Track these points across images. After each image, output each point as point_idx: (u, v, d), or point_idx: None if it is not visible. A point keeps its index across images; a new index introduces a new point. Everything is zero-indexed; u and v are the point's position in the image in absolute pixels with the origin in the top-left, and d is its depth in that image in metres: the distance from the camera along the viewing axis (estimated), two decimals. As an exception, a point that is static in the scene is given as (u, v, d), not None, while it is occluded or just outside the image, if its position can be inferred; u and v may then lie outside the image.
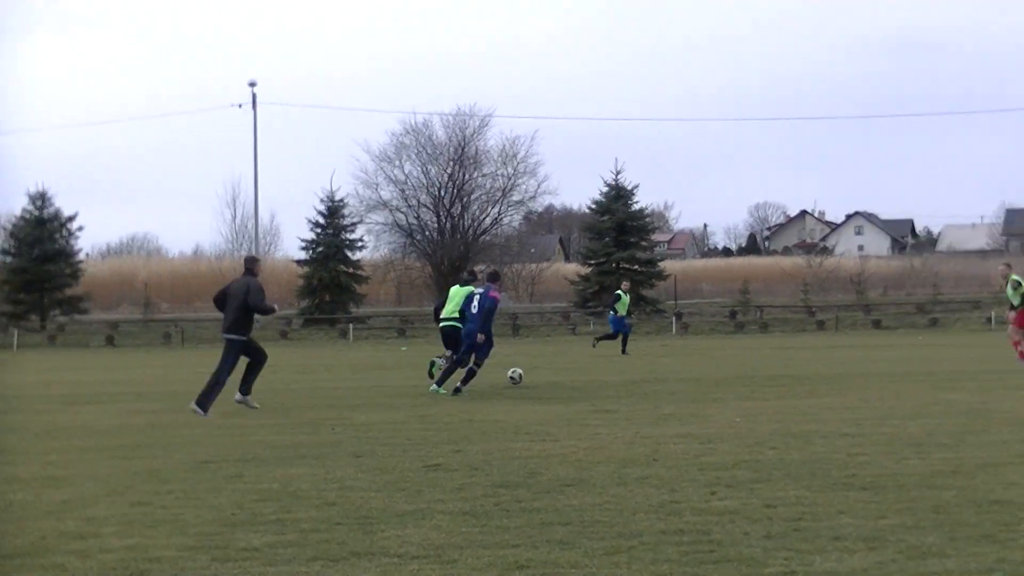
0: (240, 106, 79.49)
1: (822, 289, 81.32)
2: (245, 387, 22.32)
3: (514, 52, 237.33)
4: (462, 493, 12.29)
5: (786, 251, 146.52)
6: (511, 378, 27.43)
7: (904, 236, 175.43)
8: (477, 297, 25.61)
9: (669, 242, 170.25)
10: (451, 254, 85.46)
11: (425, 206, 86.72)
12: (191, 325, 68.95)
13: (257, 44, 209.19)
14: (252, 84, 78.53)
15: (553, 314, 73.60)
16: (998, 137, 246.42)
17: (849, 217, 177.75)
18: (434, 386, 25.49)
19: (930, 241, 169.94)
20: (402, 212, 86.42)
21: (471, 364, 25.32)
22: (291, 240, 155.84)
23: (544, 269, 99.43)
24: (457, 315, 26.15)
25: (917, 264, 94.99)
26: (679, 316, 65.93)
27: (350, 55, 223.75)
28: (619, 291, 45.28)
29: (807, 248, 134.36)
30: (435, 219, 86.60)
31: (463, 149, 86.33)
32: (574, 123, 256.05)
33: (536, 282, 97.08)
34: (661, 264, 77.83)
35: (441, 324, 26.87)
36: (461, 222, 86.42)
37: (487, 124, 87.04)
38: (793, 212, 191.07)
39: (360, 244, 79.02)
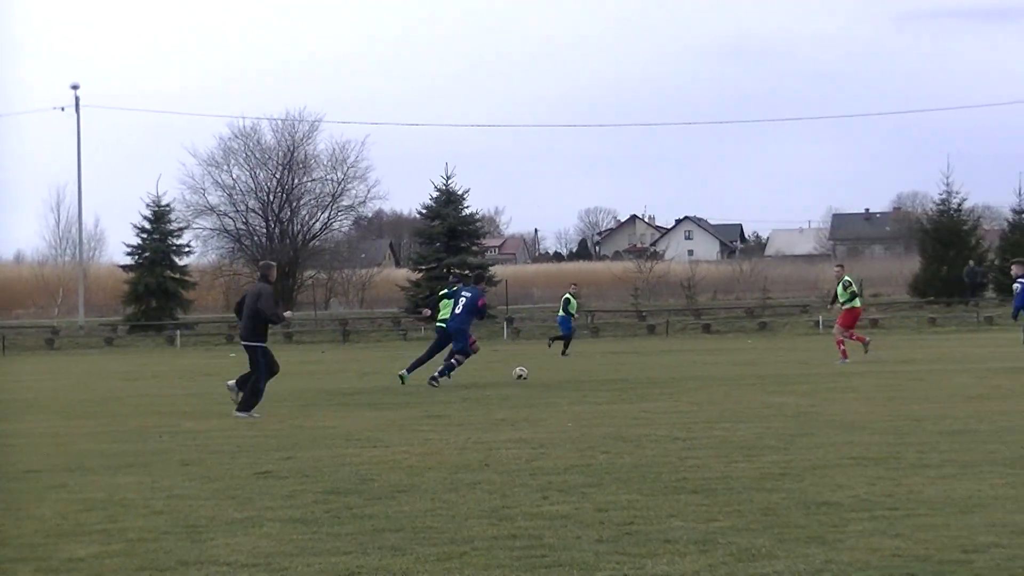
0: (63, 109, 78.16)
1: (653, 294, 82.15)
2: (242, 383, 22.11)
3: (344, 57, 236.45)
4: (292, 500, 12.23)
5: (617, 256, 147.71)
6: (519, 376, 29.47)
7: (733, 241, 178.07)
8: (463, 299, 28.14)
9: (500, 247, 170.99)
10: (280, 260, 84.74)
11: (254, 211, 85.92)
12: (12, 332, 67.61)
13: (81, 47, 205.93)
14: (75, 87, 77.22)
15: (384, 319, 73.41)
16: (826, 142, 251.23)
17: (679, 222, 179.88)
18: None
19: (759, 246, 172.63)
20: (230, 217, 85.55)
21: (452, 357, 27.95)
22: (116, 245, 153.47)
23: (374, 275, 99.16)
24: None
25: (746, 269, 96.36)
26: (510, 321, 66.05)
27: (178, 58, 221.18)
28: (568, 294, 45.76)
29: (637, 253, 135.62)
30: (264, 224, 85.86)
31: (292, 154, 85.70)
32: (405, 128, 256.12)
33: (366, 288, 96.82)
34: (492, 269, 77.63)
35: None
36: (290, 227, 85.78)
37: (316, 129, 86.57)
38: (624, 217, 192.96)
39: (187, 249, 78.01)
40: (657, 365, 35.77)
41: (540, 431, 17.92)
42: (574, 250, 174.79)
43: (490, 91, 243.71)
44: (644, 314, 68.56)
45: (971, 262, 67.48)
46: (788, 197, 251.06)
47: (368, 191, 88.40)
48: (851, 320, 34.27)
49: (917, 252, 77.62)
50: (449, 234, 73.47)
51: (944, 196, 72.26)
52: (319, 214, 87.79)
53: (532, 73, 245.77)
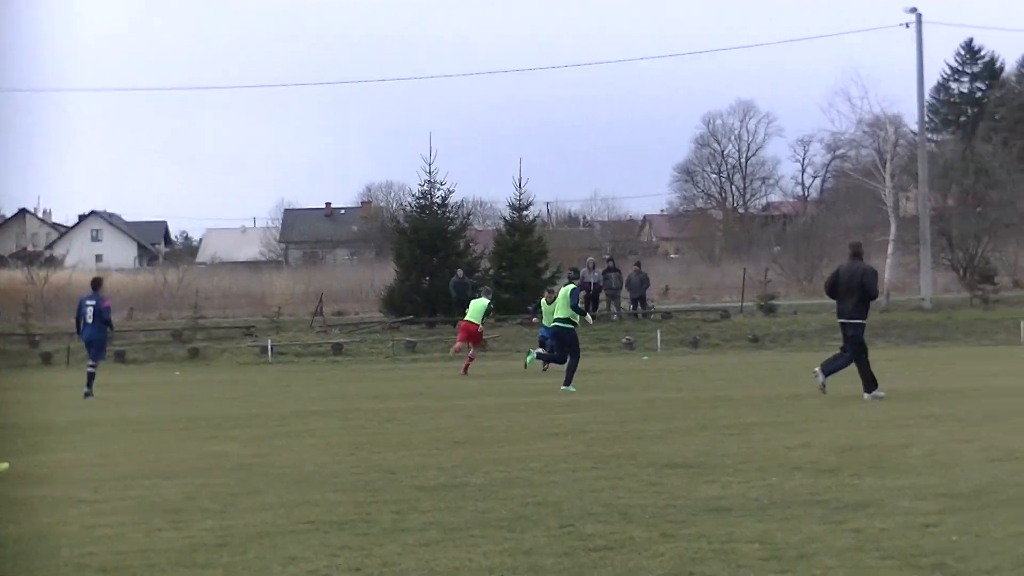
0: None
1: (50, 312, 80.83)
2: (831, 368, 29.33)
3: None
4: None
5: (1, 262, 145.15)
6: None
7: (156, 243, 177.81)
8: None
9: None
10: None
11: None
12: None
13: None
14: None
15: None
16: (272, 123, 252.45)
17: (84, 218, 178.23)
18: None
19: (189, 249, 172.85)
20: None
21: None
22: None
23: None
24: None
25: (172, 279, 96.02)
26: None
27: None
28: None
29: (29, 258, 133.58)
30: None
31: None
32: None
33: None
34: None
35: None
36: None
37: None
38: (9, 212, 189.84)
39: None
40: (54, 405, 35.31)
41: None
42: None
43: None
44: (38, 339, 67.51)
45: (460, 271, 68.02)
46: (226, 188, 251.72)
47: None
48: None
49: (391, 258, 78.11)
50: None
51: (425, 188, 72.16)
52: None
53: None
